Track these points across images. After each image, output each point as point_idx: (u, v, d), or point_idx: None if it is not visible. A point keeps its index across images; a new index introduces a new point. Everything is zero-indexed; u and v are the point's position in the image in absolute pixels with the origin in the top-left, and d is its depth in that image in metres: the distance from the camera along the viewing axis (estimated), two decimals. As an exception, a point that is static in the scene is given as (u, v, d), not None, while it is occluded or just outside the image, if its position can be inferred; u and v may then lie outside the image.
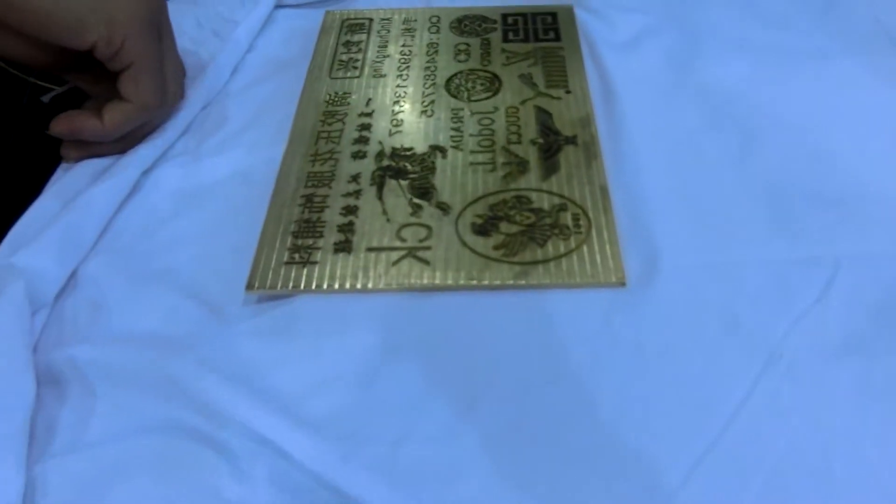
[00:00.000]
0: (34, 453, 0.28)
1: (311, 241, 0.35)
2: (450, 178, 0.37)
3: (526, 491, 0.27)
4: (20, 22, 0.34)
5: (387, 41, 0.47)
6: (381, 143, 0.40)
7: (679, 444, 0.27)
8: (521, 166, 0.38)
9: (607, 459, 0.27)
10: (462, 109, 0.42)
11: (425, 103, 0.42)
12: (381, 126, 0.41)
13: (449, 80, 0.44)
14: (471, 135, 0.40)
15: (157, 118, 0.40)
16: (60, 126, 0.38)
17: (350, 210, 0.36)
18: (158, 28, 0.38)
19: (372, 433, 0.28)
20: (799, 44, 0.45)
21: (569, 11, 0.49)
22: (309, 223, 0.35)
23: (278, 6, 0.51)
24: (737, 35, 0.46)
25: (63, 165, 0.40)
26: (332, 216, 0.36)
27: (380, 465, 0.27)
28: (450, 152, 0.39)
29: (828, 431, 0.28)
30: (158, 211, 0.38)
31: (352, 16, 0.50)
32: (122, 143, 0.39)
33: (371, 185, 0.37)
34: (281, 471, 0.27)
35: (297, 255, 0.34)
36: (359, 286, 0.33)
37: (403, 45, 0.47)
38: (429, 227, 0.35)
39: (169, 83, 0.39)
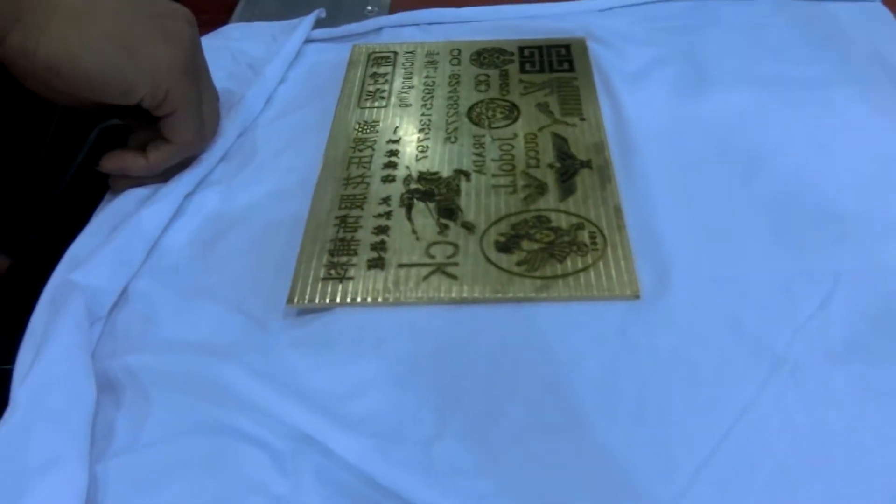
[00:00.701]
0: (94, 454, 0.30)
1: (346, 259, 0.37)
2: (474, 200, 0.40)
3: (548, 485, 0.29)
4: (75, 89, 0.36)
5: (411, 73, 0.50)
6: (408, 167, 0.42)
7: (689, 443, 0.29)
8: (540, 188, 0.40)
9: (623, 455, 0.29)
10: (483, 136, 0.44)
11: (449, 130, 0.45)
12: (408, 152, 0.43)
13: (470, 109, 0.47)
14: (492, 160, 0.43)
15: (195, 152, 0.43)
16: (110, 164, 0.41)
17: (382, 230, 0.38)
18: (195, 70, 0.40)
19: (406, 433, 0.30)
20: (800, 74, 0.48)
21: (581, 44, 0.52)
22: (344, 242, 0.38)
23: (308, 41, 0.54)
24: (741, 65, 0.49)
25: (109, 194, 0.42)
26: (365, 235, 0.38)
27: (414, 461, 0.29)
28: (473, 176, 0.41)
29: (829, 431, 0.29)
30: (201, 232, 0.41)
31: (378, 49, 0.53)
32: (164, 175, 0.42)
33: (400, 206, 0.40)
34: (324, 467, 0.29)
35: (333, 272, 0.36)
36: (391, 300, 0.35)
37: (427, 77, 0.50)
38: (455, 245, 0.37)
39: (206, 120, 0.42)
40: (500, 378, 0.32)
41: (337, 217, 0.39)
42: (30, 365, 0.31)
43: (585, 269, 0.36)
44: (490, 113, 0.46)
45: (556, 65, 0.50)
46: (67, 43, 0.34)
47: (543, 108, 0.46)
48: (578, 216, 0.38)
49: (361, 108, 0.47)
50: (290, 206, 0.41)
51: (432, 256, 0.37)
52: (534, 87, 0.48)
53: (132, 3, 0.37)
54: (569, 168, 0.42)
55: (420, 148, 0.44)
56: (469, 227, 0.38)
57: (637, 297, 0.35)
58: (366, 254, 0.37)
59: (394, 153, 0.43)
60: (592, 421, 0.30)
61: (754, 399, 0.30)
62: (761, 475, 0.28)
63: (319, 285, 0.36)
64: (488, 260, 0.36)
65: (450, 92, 0.48)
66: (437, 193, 0.40)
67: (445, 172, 0.42)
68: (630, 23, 0.54)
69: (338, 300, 0.35)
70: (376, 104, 0.48)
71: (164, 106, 0.38)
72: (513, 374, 0.32)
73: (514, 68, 0.50)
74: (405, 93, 0.48)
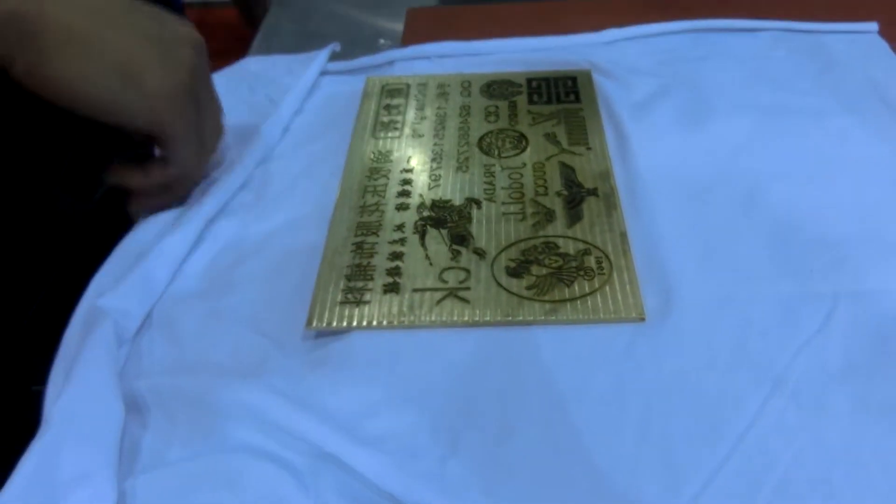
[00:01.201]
0: (122, 470, 0.32)
1: (362, 284, 0.38)
2: (485, 227, 0.41)
3: (556, 501, 0.30)
4: (79, 112, 0.37)
5: (423, 104, 0.52)
6: (421, 195, 0.44)
7: (693, 462, 0.30)
8: (549, 216, 0.42)
9: (629, 473, 0.30)
10: (493, 165, 0.46)
11: (460, 160, 0.47)
12: (421, 181, 0.45)
13: (481, 139, 0.48)
14: (502, 188, 0.44)
15: (196, 177, 0.44)
16: (112, 176, 0.42)
17: (396, 256, 0.40)
18: (197, 98, 0.41)
19: (421, 450, 0.32)
20: (799, 103, 0.49)
21: (587, 75, 0.54)
22: (360, 267, 0.39)
23: (323, 73, 0.56)
24: (742, 95, 0.50)
25: (135, 225, 0.44)
26: (381, 261, 0.40)
27: (429, 477, 0.30)
28: (484, 204, 0.43)
29: (829, 448, 0.30)
30: (220, 258, 0.42)
31: (391, 81, 0.55)
32: (171, 195, 0.43)
33: (414, 233, 0.41)
34: (344, 483, 0.31)
35: (350, 296, 0.38)
36: (406, 323, 0.36)
37: (438, 108, 0.52)
38: (467, 271, 0.39)
39: (207, 142, 0.43)
40: (510, 398, 0.33)
41: (353, 243, 0.41)
42: (62, 385, 0.33)
43: (592, 293, 0.37)
44: (500, 143, 0.48)
45: (563, 96, 0.52)
46: (68, 72, 0.35)
47: (551, 137, 0.48)
48: (585, 242, 0.40)
49: (376, 138, 0.49)
50: (306, 234, 0.42)
51: (445, 281, 0.38)
52: (542, 117, 0.50)
53: (138, 27, 0.38)
54: (576, 196, 0.43)
55: (433, 177, 0.45)
56: (480, 253, 0.40)
57: (642, 319, 0.36)
58: (381, 279, 0.39)
59: (407, 182, 0.45)
60: (599, 440, 0.31)
61: (756, 418, 0.31)
62: (764, 493, 0.29)
63: (337, 309, 0.37)
64: (499, 284, 0.38)
65: (461, 122, 0.50)
66: (449, 221, 0.42)
67: (457, 200, 0.43)
68: (634, 55, 0.56)
69: (354, 323, 0.37)
70: (390, 134, 0.49)
71: (164, 132, 0.40)
72: (523, 395, 0.33)
73: (522, 99, 0.52)
74: (418, 123, 0.50)
